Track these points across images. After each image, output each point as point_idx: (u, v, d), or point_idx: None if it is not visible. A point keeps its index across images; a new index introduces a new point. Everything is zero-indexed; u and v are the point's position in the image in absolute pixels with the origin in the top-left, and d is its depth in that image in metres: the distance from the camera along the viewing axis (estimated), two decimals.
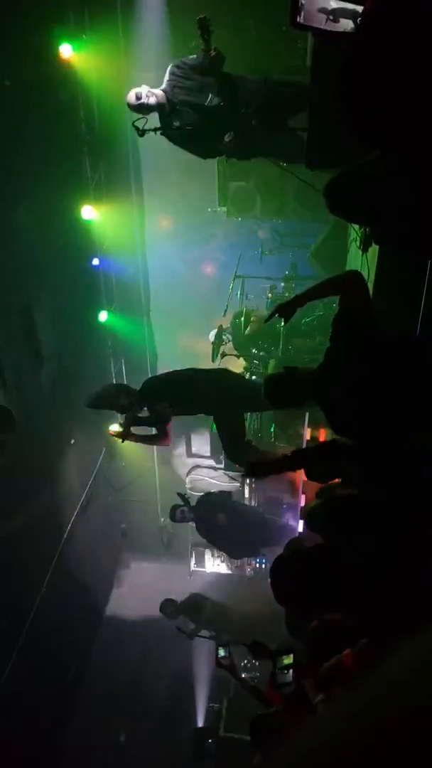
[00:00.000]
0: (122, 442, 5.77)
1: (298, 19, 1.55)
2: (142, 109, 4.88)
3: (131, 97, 4.89)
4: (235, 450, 5.94)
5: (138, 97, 4.84)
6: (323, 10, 1.53)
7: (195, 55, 4.91)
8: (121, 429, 5.59)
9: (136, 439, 5.69)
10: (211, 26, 4.37)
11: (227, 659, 4.42)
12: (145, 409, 5.50)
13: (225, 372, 6.39)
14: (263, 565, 8.67)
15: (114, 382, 5.90)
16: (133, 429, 5.56)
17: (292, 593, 2.44)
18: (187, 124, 4.86)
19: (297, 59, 5.94)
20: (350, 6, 1.52)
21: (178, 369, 5.89)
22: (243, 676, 4.47)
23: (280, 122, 4.90)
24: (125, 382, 9.68)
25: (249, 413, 6.65)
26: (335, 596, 2.32)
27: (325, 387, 2.93)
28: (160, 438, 5.61)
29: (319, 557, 2.42)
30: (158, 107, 4.90)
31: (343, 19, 1.53)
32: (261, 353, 8.60)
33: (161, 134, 5.02)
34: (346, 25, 1.53)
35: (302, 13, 1.53)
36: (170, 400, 5.47)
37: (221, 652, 4.42)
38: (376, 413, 2.72)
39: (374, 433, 2.79)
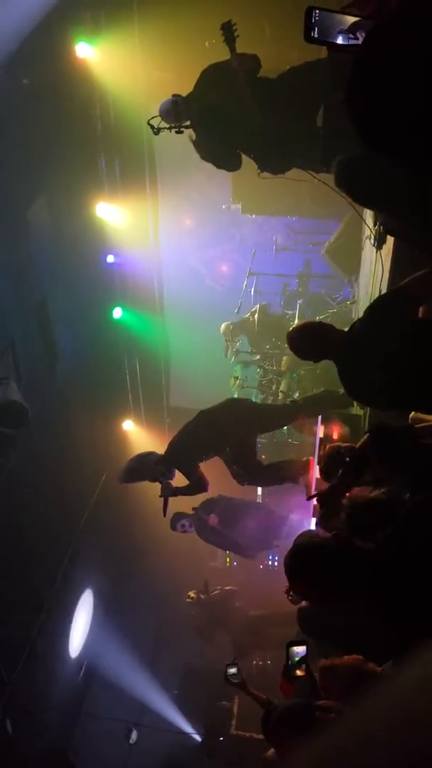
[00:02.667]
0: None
1: (312, 35, 1.58)
2: (181, 116, 4.80)
3: (167, 107, 4.80)
4: (252, 473, 6.19)
5: (174, 106, 4.77)
6: (338, 25, 1.56)
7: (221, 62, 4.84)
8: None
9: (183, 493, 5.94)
10: (236, 31, 4.34)
11: (237, 676, 4.39)
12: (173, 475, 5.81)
13: (234, 401, 6.60)
14: (275, 562, 8.68)
15: (144, 456, 6.06)
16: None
17: (311, 579, 2.43)
18: (216, 137, 4.81)
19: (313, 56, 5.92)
20: (364, 21, 1.55)
21: (190, 421, 6.03)
22: (255, 692, 4.42)
23: (304, 121, 4.82)
24: (139, 379, 9.75)
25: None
26: (354, 583, 2.32)
27: (352, 354, 3.04)
28: (202, 489, 5.91)
29: (336, 545, 2.42)
30: (192, 118, 4.83)
31: (357, 33, 1.56)
32: (275, 351, 8.62)
33: (195, 148, 4.97)
34: (361, 39, 1.56)
35: (316, 29, 1.57)
36: (200, 457, 5.82)
37: (231, 671, 4.35)
38: (398, 389, 2.89)
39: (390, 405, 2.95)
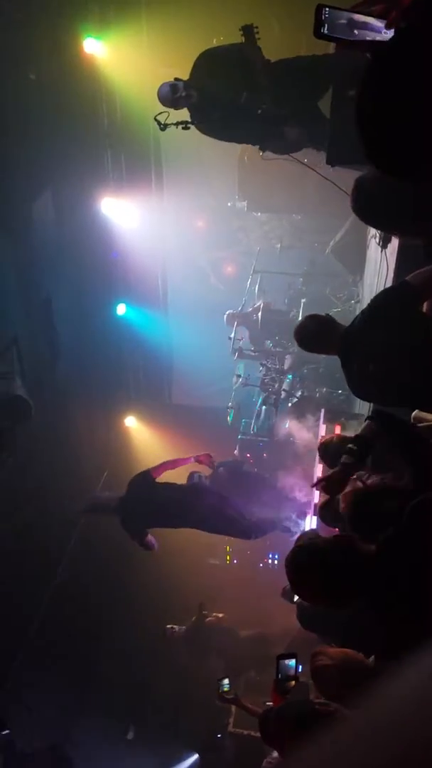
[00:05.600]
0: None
1: (322, 31, 1.59)
2: (177, 103, 4.78)
3: (165, 91, 4.78)
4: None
5: (175, 91, 4.74)
6: (347, 22, 1.57)
7: (226, 45, 4.83)
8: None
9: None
10: (258, 33, 4.34)
11: (230, 693, 4.37)
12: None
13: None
14: (275, 561, 8.68)
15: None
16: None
17: (313, 579, 2.42)
18: (226, 115, 4.77)
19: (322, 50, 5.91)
20: (374, 21, 1.55)
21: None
22: (248, 705, 4.40)
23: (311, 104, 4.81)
24: (142, 376, 9.76)
25: None
26: (357, 581, 2.32)
27: (352, 346, 3.05)
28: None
29: (338, 546, 2.41)
30: (195, 101, 4.79)
31: (367, 30, 1.56)
32: (277, 349, 8.61)
33: (196, 127, 4.95)
34: (371, 35, 1.56)
35: (326, 26, 1.58)
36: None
37: (224, 687, 4.33)
38: (398, 384, 2.91)
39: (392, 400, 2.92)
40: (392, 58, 1.34)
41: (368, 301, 3.29)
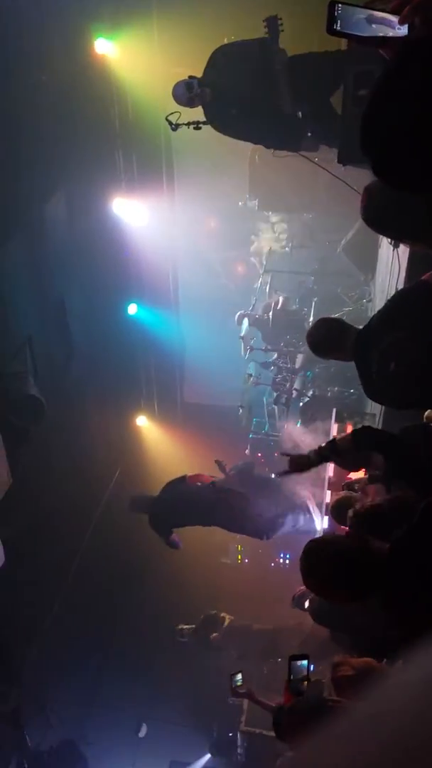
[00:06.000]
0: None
1: (335, 27, 1.58)
2: (193, 101, 4.78)
3: (180, 89, 4.77)
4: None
5: (190, 89, 4.74)
6: (360, 18, 1.56)
7: (241, 41, 4.83)
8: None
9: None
10: (282, 26, 4.34)
11: (243, 687, 4.39)
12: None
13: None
14: (287, 561, 8.68)
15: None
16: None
17: (326, 575, 2.43)
18: (242, 111, 4.76)
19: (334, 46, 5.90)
20: (388, 16, 1.54)
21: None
22: (261, 700, 4.41)
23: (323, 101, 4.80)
24: (154, 375, 9.79)
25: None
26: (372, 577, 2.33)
27: (367, 346, 3.03)
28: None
29: (351, 543, 2.42)
30: (210, 98, 4.78)
31: (381, 26, 1.56)
32: (289, 348, 8.60)
33: (211, 125, 4.93)
34: (385, 32, 1.55)
35: (339, 22, 1.57)
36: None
37: (237, 681, 4.35)
38: (413, 383, 2.89)
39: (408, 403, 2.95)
40: (400, 78, 1.34)
41: (380, 301, 3.29)
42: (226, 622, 7.31)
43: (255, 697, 4.45)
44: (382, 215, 2.83)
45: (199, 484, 6.47)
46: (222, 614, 7.42)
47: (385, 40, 1.55)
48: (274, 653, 6.97)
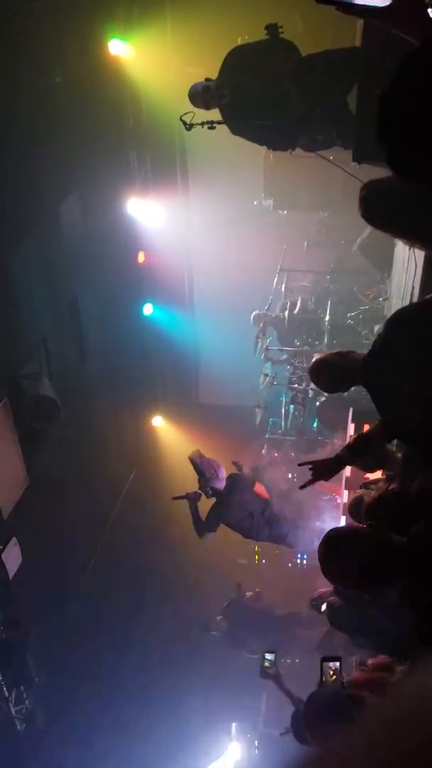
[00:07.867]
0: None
1: None
2: (210, 104, 4.76)
3: (197, 91, 4.77)
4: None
5: (207, 92, 4.73)
6: None
7: (254, 42, 4.80)
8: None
9: None
10: (282, 32, 4.31)
11: (273, 668, 4.35)
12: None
13: None
14: (304, 561, 8.63)
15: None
16: None
17: (346, 563, 2.41)
18: (258, 113, 4.73)
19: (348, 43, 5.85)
20: None
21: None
22: (285, 686, 4.39)
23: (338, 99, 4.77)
24: (169, 375, 9.79)
25: None
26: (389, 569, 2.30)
27: (379, 372, 2.91)
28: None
29: (371, 532, 2.40)
30: (228, 101, 4.76)
31: None
32: (305, 347, 8.56)
33: (228, 127, 4.92)
34: (373, 1, 1.54)
35: None
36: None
37: (267, 662, 4.32)
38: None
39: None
40: (421, 64, 1.32)
41: (396, 299, 3.24)
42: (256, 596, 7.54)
43: (281, 681, 4.43)
44: (377, 213, 2.80)
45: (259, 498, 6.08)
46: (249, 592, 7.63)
47: (373, 11, 1.53)
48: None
